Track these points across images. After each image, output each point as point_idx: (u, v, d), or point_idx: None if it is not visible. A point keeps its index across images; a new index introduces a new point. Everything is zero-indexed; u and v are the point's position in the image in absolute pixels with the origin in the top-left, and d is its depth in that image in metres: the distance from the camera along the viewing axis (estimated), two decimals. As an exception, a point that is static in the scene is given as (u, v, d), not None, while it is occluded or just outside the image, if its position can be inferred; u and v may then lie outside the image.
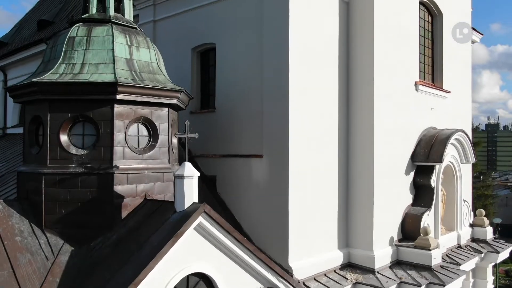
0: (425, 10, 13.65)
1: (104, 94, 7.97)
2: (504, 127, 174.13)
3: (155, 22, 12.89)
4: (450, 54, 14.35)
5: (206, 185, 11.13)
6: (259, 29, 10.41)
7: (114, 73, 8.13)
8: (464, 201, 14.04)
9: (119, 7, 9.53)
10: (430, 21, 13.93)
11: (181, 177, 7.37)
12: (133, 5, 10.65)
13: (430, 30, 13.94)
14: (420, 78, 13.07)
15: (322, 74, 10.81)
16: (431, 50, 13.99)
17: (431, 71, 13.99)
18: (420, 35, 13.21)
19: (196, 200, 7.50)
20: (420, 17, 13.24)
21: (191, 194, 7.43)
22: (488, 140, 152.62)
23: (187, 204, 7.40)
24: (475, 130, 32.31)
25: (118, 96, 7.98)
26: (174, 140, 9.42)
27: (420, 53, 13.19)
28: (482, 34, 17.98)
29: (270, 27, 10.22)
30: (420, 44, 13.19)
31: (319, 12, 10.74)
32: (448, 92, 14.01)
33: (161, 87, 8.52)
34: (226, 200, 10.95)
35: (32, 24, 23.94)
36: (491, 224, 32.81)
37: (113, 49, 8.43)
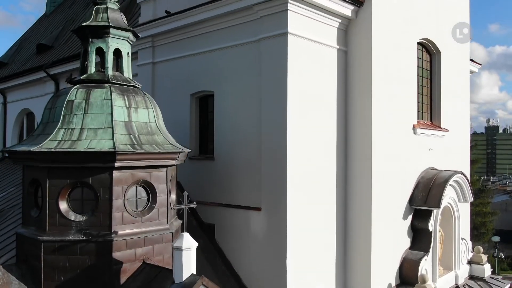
0: (423, 49, 13.68)
1: (103, 162, 8.00)
2: (504, 130, 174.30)
3: (154, 64, 12.92)
4: (448, 91, 14.36)
5: (205, 232, 11.18)
6: (257, 78, 10.46)
7: (113, 139, 8.14)
8: (462, 239, 14.08)
9: (117, 62, 9.58)
10: (428, 59, 13.96)
11: (179, 249, 7.42)
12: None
13: (428, 68, 13.96)
14: (418, 118, 13.11)
15: (320, 123, 10.85)
16: (429, 89, 14.02)
17: (429, 109, 14.02)
18: (418, 75, 13.25)
19: (195, 272, 7.54)
20: (418, 57, 13.28)
21: (189, 265, 7.46)
22: (487, 143, 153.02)
23: (185, 275, 7.43)
24: (473, 147, 32.32)
25: (117, 164, 8.01)
26: (173, 196, 9.44)
27: (418, 93, 13.23)
28: (480, 64, 18.03)
29: (267, 77, 10.26)
30: (418, 84, 13.23)
31: (317, 60, 10.78)
32: (446, 130, 14.04)
33: (159, 151, 8.55)
34: (224, 249, 10.99)
35: (31, 46, 24.02)
36: (490, 242, 33.07)
37: (111, 113, 8.44)
